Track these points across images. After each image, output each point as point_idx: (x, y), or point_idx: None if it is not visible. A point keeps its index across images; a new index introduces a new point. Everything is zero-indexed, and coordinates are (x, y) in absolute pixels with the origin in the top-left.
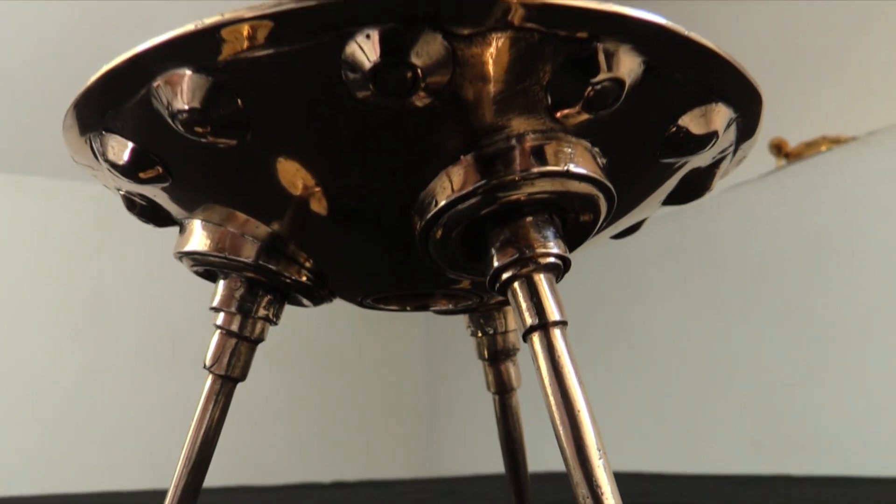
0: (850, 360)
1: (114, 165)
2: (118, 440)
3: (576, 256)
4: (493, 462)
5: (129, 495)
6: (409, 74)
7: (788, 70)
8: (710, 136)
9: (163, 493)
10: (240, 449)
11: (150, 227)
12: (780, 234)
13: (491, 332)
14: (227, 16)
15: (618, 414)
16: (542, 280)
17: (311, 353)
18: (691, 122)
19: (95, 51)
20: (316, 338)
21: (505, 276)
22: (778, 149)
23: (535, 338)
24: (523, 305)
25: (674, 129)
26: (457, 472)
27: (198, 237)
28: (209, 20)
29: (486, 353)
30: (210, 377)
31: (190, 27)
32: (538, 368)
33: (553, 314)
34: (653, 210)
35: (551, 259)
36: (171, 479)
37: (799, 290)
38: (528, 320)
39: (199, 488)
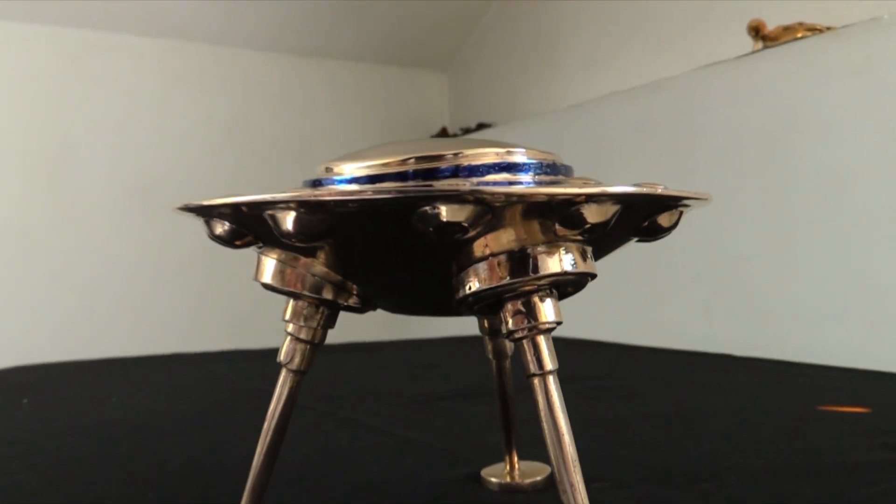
0: (800, 236)
1: (215, 236)
2: (94, 292)
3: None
4: (463, 325)
5: (111, 363)
6: (460, 231)
7: None
8: (675, 224)
9: (144, 360)
10: (234, 315)
11: (119, 76)
12: (748, 115)
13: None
14: (335, 194)
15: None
16: (542, 340)
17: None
18: (661, 219)
19: None
20: None
21: (517, 335)
22: (756, 31)
23: (536, 381)
24: (528, 357)
25: (647, 223)
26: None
27: (271, 272)
28: (321, 194)
29: (487, 329)
30: (283, 370)
31: (305, 196)
32: (536, 403)
33: (549, 365)
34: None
35: (549, 325)
36: (150, 341)
37: (759, 168)
38: (532, 368)
39: (277, 454)
